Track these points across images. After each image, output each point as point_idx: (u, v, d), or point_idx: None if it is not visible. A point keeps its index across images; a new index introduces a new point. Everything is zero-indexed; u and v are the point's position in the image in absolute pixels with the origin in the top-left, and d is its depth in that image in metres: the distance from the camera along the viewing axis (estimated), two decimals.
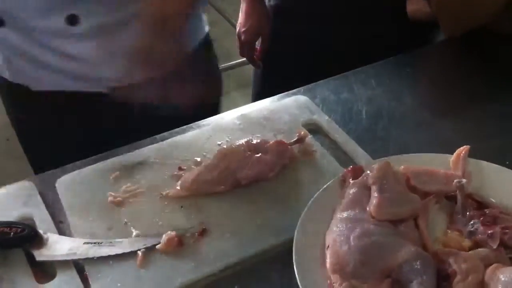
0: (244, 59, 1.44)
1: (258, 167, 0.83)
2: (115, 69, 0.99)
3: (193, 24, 1.13)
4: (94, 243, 0.74)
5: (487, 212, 0.74)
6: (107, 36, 0.99)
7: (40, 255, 0.73)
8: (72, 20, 0.95)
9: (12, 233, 0.73)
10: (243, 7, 1.39)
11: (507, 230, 0.71)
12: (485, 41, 1.15)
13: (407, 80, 1.07)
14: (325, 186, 0.78)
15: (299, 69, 1.30)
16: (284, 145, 0.86)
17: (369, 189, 0.75)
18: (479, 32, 1.15)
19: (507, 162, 0.81)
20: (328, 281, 0.67)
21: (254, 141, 0.86)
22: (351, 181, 0.77)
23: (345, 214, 0.73)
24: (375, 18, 1.29)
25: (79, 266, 0.73)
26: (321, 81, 1.06)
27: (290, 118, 0.95)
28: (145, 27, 0.94)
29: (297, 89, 1.03)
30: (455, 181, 0.77)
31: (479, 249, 0.70)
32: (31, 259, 0.73)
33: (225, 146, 0.88)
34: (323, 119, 0.95)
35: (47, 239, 0.74)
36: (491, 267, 0.66)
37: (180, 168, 0.86)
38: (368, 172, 0.77)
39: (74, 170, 0.87)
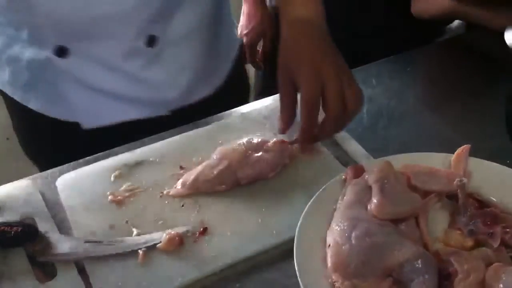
0: None
1: (259, 167, 0.83)
2: (179, 90, 1.01)
3: (232, 32, 1.14)
4: (95, 242, 0.74)
5: (488, 211, 0.74)
6: (175, 56, 0.99)
7: (41, 254, 0.73)
8: (151, 41, 0.96)
9: (12, 232, 0.73)
10: (244, 8, 1.38)
11: (508, 230, 0.71)
12: (486, 41, 1.15)
13: (408, 79, 1.07)
14: (325, 185, 0.78)
15: None
16: (285, 144, 0.86)
17: (370, 188, 0.75)
18: (479, 31, 1.15)
19: (508, 161, 0.81)
20: (329, 280, 0.67)
21: (255, 141, 0.86)
22: (352, 180, 0.77)
23: (346, 213, 0.73)
24: (375, 17, 1.30)
25: (80, 265, 0.73)
26: None
27: None
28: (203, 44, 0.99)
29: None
30: (456, 180, 0.76)
31: (480, 249, 0.70)
32: (32, 259, 0.73)
33: (225, 145, 0.88)
34: None
35: (48, 238, 0.74)
36: (492, 267, 0.66)
37: (180, 167, 0.86)
38: (369, 171, 0.77)
39: (74, 169, 0.87)
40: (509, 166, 0.79)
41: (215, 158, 0.84)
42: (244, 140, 0.86)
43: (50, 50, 0.92)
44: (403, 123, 0.96)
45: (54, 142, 1.06)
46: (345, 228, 0.71)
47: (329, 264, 0.68)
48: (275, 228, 0.76)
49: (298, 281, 0.66)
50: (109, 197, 0.81)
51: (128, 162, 0.87)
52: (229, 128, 0.93)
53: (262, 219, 0.78)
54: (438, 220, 0.75)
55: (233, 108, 1.01)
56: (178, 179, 0.83)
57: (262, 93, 1.41)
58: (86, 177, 0.85)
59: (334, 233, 0.71)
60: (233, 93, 1.13)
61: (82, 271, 0.72)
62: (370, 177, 0.75)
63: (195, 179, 0.81)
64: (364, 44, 1.28)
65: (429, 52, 1.19)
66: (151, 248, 0.74)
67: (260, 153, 0.84)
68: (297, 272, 0.67)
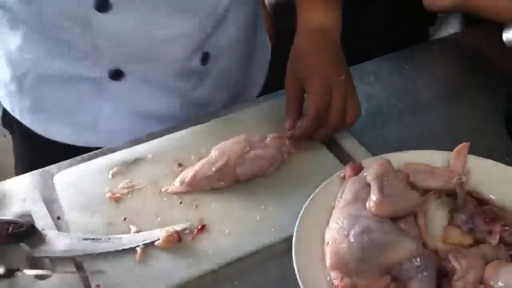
0: None
1: (257, 163, 0.83)
2: (221, 103, 1.04)
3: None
4: (93, 239, 0.74)
5: (487, 209, 0.73)
6: (220, 70, 1.01)
7: (39, 251, 0.72)
8: (205, 58, 0.97)
9: (10, 229, 0.73)
10: None
11: (507, 227, 0.70)
12: (484, 39, 1.15)
13: (407, 77, 1.07)
14: (324, 182, 0.78)
15: None
16: (283, 139, 0.85)
17: (368, 186, 0.75)
18: (479, 28, 1.15)
19: (507, 159, 0.81)
20: (328, 278, 0.67)
21: (253, 138, 0.86)
22: (350, 178, 0.77)
23: (344, 211, 0.73)
24: (375, 14, 1.29)
25: (78, 262, 0.73)
26: None
27: None
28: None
29: None
30: (455, 178, 0.76)
31: (479, 246, 0.70)
32: (29, 256, 0.73)
33: (224, 142, 0.87)
34: None
35: (45, 236, 0.74)
36: (491, 264, 0.66)
37: (179, 164, 0.86)
38: (368, 169, 0.77)
39: (72, 166, 0.86)
40: (508, 163, 0.79)
41: (213, 155, 0.83)
42: (243, 137, 0.86)
43: (103, 72, 0.91)
44: (402, 121, 0.96)
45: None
46: (344, 225, 0.70)
47: (327, 261, 0.68)
48: (273, 226, 0.76)
49: (296, 278, 0.66)
50: (107, 194, 0.81)
51: (126, 159, 0.87)
52: (228, 126, 0.93)
53: (261, 216, 0.78)
54: (437, 218, 0.75)
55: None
56: (177, 176, 0.83)
57: (262, 92, 1.41)
58: (84, 174, 0.85)
59: (333, 231, 0.71)
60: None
61: (79, 268, 0.72)
62: (369, 175, 0.75)
63: (194, 176, 0.81)
64: (363, 42, 1.28)
65: (428, 49, 1.19)
66: (149, 246, 0.73)
67: (258, 150, 0.84)
68: (295, 270, 0.67)
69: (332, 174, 0.79)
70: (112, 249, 0.73)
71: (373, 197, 0.73)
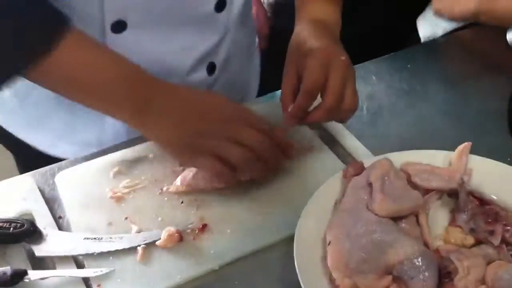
0: None
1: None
2: None
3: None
4: (94, 238, 0.74)
5: (488, 209, 0.73)
6: (226, 80, 1.01)
7: (40, 250, 0.72)
8: (211, 69, 0.97)
9: (11, 229, 0.73)
10: None
11: (508, 227, 0.70)
12: (486, 38, 1.14)
13: (408, 76, 1.07)
14: (325, 182, 0.78)
15: None
16: (281, 133, 0.84)
17: (370, 186, 0.75)
18: (480, 28, 1.15)
19: (509, 159, 0.81)
20: (329, 278, 0.67)
21: None
22: (352, 177, 0.77)
23: (345, 211, 0.73)
24: (376, 13, 1.29)
25: (79, 261, 0.73)
26: None
27: None
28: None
29: None
30: (456, 178, 0.76)
31: (481, 246, 0.70)
32: (30, 255, 0.73)
33: None
34: None
35: (46, 235, 0.74)
36: (492, 264, 0.66)
37: (180, 164, 0.85)
38: (369, 168, 0.76)
39: (73, 165, 0.86)
40: (510, 163, 0.79)
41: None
42: None
43: None
44: (403, 120, 0.96)
45: None
46: (345, 225, 0.70)
47: (329, 261, 0.68)
48: (274, 226, 0.76)
49: (297, 278, 0.66)
50: (108, 194, 0.81)
51: (128, 158, 0.86)
52: None
53: (262, 216, 0.77)
54: (438, 218, 0.75)
55: None
56: (178, 176, 0.83)
57: (261, 92, 1.41)
58: (85, 174, 0.84)
59: (334, 231, 0.71)
60: None
61: (81, 268, 0.72)
62: (370, 175, 0.75)
63: (195, 176, 0.81)
64: (364, 42, 1.28)
65: (429, 48, 1.19)
66: (151, 245, 0.73)
67: None
68: (297, 270, 0.67)
69: (334, 173, 0.79)
70: (113, 249, 0.73)
71: (375, 197, 0.73)
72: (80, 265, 0.72)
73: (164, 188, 0.82)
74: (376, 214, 0.71)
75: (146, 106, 0.73)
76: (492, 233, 0.70)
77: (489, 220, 0.71)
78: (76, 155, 0.89)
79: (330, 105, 0.79)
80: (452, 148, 0.81)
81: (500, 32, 1.11)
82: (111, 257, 0.72)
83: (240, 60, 1.04)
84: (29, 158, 0.97)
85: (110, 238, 0.74)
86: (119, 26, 0.83)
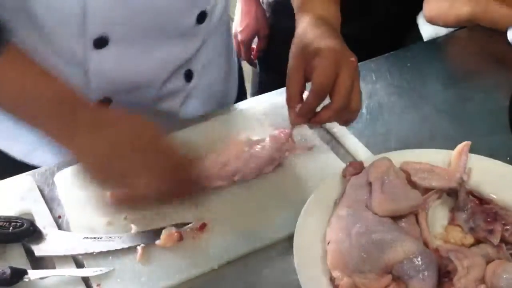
0: None
1: (255, 162, 0.82)
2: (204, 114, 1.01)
3: None
4: (94, 238, 0.74)
5: (488, 208, 0.73)
6: (204, 86, 1.01)
7: (39, 250, 0.73)
8: (189, 76, 0.96)
9: (11, 228, 0.73)
10: (239, 7, 1.40)
11: (508, 227, 0.70)
12: (486, 37, 1.14)
13: (408, 75, 1.07)
14: (325, 181, 0.78)
15: None
16: (284, 136, 0.85)
17: (369, 185, 0.75)
18: (479, 28, 1.15)
19: (508, 158, 0.81)
20: (329, 277, 0.67)
21: (254, 138, 0.85)
22: (351, 176, 0.77)
23: (345, 210, 0.72)
24: (375, 12, 1.29)
25: (79, 261, 0.73)
26: None
27: None
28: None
29: None
30: (456, 177, 0.76)
31: (480, 245, 0.70)
32: (30, 254, 0.73)
33: (224, 142, 0.87)
34: None
35: (46, 234, 0.74)
36: (492, 264, 0.66)
37: None
38: (369, 167, 0.76)
39: (73, 165, 0.86)
40: (509, 163, 0.79)
41: (213, 154, 0.83)
42: (243, 136, 0.86)
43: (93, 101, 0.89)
44: (403, 119, 0.96)
45: None
46: (345, 224, 0.70)
47: (328, 260, 0.68)
48: (274, 225, 0.76)
49: (297, 278, 0.66)
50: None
51: None
52: (227, 125, 0.93)
53: (261, 215, 0.77)
54: (438, 217, 0.75)
55: None
56: None
57: (258, 90, 1.41)
58: None
59: (334, 230, 0.71)
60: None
61: (80, 267, 0.72)
62: (370, 174, 0.75)
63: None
64: (363, 40, 1.28)
65: (429, 47, 1.18)
66: (150, 245, 0.73)
67: (256, 149, 0.84)
68: (296, 269, 0.67)
69: (333, 173, 0.79)
70: (112, 248, 0.73)
71: (374, 196, 0.73)
72: (79, 265, 0.72)
73: None
74: (375, 214, 0.71)
75: (73, 127, 0.71)
76: (491, 232, 0.70)
77: (489, 219, 0.71)
78: (54, 163, 0.88)
79: (339, 106, 0.77)
80: (451, 147, 0.81)
81: (503, 31, 1.11)
82: (110, 257, 0.72)
83: (218, 66, 1.04)
84: (9, 166, 0.97)
85: (110, 237, 0.74)
86: (101, 42, 0.83)
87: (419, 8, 1.25)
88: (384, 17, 1.30)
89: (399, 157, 0.79)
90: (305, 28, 0.83)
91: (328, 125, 0.91)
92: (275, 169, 0.84)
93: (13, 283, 0.68)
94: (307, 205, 0.74)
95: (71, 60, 0.84)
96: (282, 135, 0.85)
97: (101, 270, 0.70)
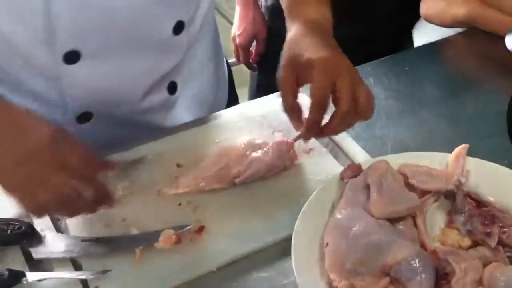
0: None
1: (256, 167, 0.82)
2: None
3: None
4: (92, 240, 0.74)
5: (485, 211, 0.74)
6: (188, 97, 1.00)
7: (37, 252, 0.73)
8: (172, 88, 0.95)
9: (9, 230, 0.73)
10: (237, 11, 1.40)
11: (505, 229, 0.71)
12: (484, 40, 1.15)
13: (406, 79, 1.07)
14: (323, 184, 0.78)
15: None
16: (287, 145, 0.85)
17: (367, 187, 0.75)
18: (477, 31, 1.15)
19: (506, 161, 0.81)
20: (326, 279, 0.67)
21: (256, 141, 0.85)
22: (349, 179, 0.77)
23: (343, 213, 0.73)
24: (373, 16, 1.30)
25: (77, 263, 0.73)
26: None
27: None
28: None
29: None
30: (453, 179, 0.77)
31: (478, 248, 0.70)
32: (28, 257, 0.73)
33: (223, 144, 0.87)
34: None
35: (44, 237, 0.74)
36: (489, 266, 0.66)
37: (178, 165, 0.86)
38: (367, 170, 0.77)
39: None
40: (507, 165, 0.79)
41: (213, 156, 0.83)
42: (245, 139, 0.86)
43: (69, 116, 0.88)
44: (401, 122, 0.96)
45: None
46: (343, 227, 0.71)
47: (326, 263, 0.68)
48: (272, 227, 0.76)
49: (295, 280, 0.66)
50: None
51: (125, 160, 0.87)
52: (227, 127, 0.93)
53: (260, 217, 0.78)
54: (435, 220, 0.75)
55: None
56: (176, 177, 0.83)
57: (257, 93, 1.42)
58: None
59: (332, 232, 0.71)
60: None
61: (78, 269, 0.72)
62: (367, 177, 0.75)
63: (192, 178, 0.81)
64: (361, 43, 1.28)
65: (427, 51, 1.19)
66: (148, 247, 0.73)
67: (258, 153, 0.84)
68: (294, 271, 0.67)
69: (331, 175, 0.79)
70: (111, 251, 0.73)
71: (372, 198, 0.73)
72: (77, 267, 0.72)
73: (162, 190, 0.82)
74: (373, 216, 0.71)
75: None
76: (488, 234, 0.70)
77: (486, 222, 0.71)
78: None
79: (344, 112, 0.76)
80: (449, 150, 0.81)
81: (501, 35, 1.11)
82: (108, 259, 0.72)
83: (205, 74, 1.03)
84: None
85: (108, 239, 0.74)
86: (72, 57, 0.81)
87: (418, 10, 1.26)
88: (384, 19, 1.30)
89: (396, 160, 0.79)
90: (296, 36, 0.82)
91: None
92: (274, 175, 0.84)
93: (11, 285, 0.68)
94: (305, 207, 0.74)
95: (45, 75, 0.83)
96: (284, 146, 0.85)
97: (99, 273, 0.70)
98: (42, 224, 0.76)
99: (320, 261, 0.69)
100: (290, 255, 0.69)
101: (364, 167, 0.78)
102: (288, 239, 0.71)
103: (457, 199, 0.75)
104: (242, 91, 1.93)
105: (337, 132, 0.81)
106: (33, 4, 0.76)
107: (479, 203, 0.75)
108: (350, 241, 0.68)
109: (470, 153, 0.80)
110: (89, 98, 0.86)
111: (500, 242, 0.70)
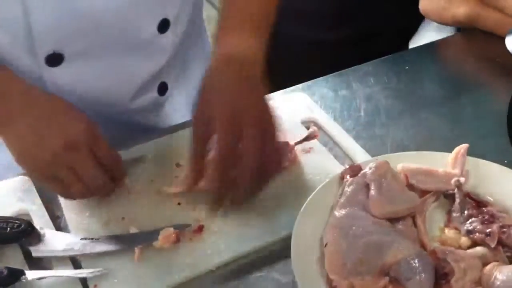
0: None
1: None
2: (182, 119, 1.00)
3: None
4: (91, 239, 0.74)
5: (485, 210, 0.74)
6: (180, 97, 1.00)
7: (37, 250, 0.72)
8: (163, 89, 0.95)
9: (8, 228, 0.73)
10: None
11: (505, 229, 0.71)
12: (484, 40, 1.15)
13: (406, 78, 1.07)
14: (323, 183, 0.78)
15: (297, 68, 1.30)
16: (287, 147, 0.85)
17: (367, 187, 0.75)
18: (478, 31, 1.15)
19: (506, 161, 0.81)
20: (326, 279, 0.67)
21: None
22: (349, 179, 0.77)
23: (343, 212, 0.73)
24: (373, 16, 1.30)
25: (76, 262, 0.73)
26: (320, 78, 1.05)
27: (288, 116, 0.94)
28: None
29: (295, 86, 1.03)
30: (453, 179, 0.76)
31: (477, 248, 0.70)
32: (27, 255, 0.73)
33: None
34: (322, 117, 0.94)
35: (43, 235, 0.74)
36: (489, 266, 0.66)
37: (177, 165, 0.85)
38: (366, 170, 0.77)
39: None
40: (507, 165, 0.79)
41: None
42: None
43: None
44: (401, 122, 0.96)
45: None
46: (342, 226, 0.71)
47: (326, 263, 0.68)
48: (272, 227, 0.76)
49: (295, 279, 0.66)
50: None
51: (125, 159, 0.86)
52: None
53: (259, 217, 0.77)
54: (435, 219, 0.75)
55: None
56: (175, 177, 0.83)
57: None
58: None
59: (331, 232, 0.71)
60: None
61: (78, 268, 0.72)
62: (367, 176, 0.75)
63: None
64: (362, 42, 1.29)
65: (427, 50, 1.19)
66: (147, 246, 0.73)
67: None
68: (294, 271, 0.67)
69: (331, 175, 0.79)
70: (110, 249, 0.73)
71: (372, 198, 0.73)
72: (77, 265, 0.72)
73: (162, 189, 0.81)
74: (373, 216, 0.71)
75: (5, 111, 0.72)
76: (488, 234, 0.70)
77: (486, 222, 0.71)
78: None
79: (249, 166, 0.71)
80: (449, 150, 0.81)
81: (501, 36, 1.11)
82: (108, 258, 0.72)
83: (197, 73, 1.00)
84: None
85: (107, 238, 0.74)
86: (55, 59, 0.81)
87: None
88: (384, 19, 1.30)
89: (396, 160, 0.79)
90: (211, 71, 0.77)
91: (326, 127, 0.92)
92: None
93: (10, 283, 0.68)
94: (305, 207, 0.74)
95: (28, 77, 0.81)
96: (284, 146, 0.84)
97: (98, 271, 0.70)
98: (41, 223, 0.76)
99: (320, 261, 0.69)
100: (289, 255, 0.69)
101: (364, 167, 0.78)
102: (288, 239, 0.71)
103: (457, 199, 0.75)
104: None
105: (244, 195, 0.75)
106: (12, 12, 0.76)
107: (479, 203, 0.75)
108: (350, 241, 0.68)
109: (470, 153, 0.80)
110: (75, 101, 0.83)
111: (499, 242, 0.70)
